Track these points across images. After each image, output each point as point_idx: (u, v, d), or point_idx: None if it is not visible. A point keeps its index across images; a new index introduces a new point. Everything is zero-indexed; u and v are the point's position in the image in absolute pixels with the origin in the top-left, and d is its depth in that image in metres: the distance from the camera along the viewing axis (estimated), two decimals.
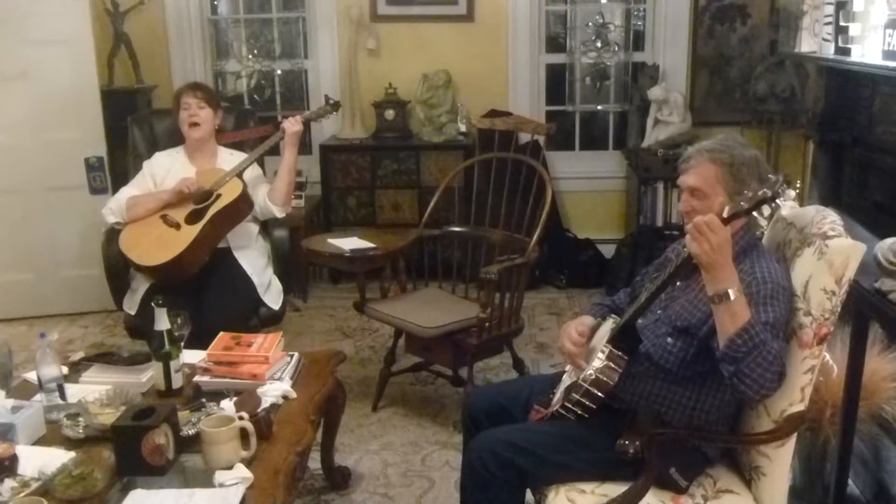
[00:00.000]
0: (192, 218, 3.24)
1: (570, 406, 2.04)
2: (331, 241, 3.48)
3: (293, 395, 2.43)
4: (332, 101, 3.65)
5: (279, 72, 5.40)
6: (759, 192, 1.78)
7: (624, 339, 2.07)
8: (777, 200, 1.80)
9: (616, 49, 5.22)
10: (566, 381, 2.19)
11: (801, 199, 4.00)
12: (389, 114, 4.89)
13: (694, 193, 2.07)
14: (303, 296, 4.78)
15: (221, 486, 1.94)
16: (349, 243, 3.39)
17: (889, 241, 2.22)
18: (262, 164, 3.64)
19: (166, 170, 3.43)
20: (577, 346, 2.16)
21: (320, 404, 2.49)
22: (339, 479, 2.88)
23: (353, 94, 4.99)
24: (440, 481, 2.91)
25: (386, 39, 5.02)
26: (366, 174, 4.84)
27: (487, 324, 3.11)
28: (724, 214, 1.81)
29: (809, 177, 4.07)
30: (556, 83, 5.30)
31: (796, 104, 4.61)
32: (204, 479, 1.98)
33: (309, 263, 4.75)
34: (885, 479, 2.62)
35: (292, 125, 3.42)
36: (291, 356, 2.63)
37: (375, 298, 3.47)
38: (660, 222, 4.67)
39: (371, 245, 3.39)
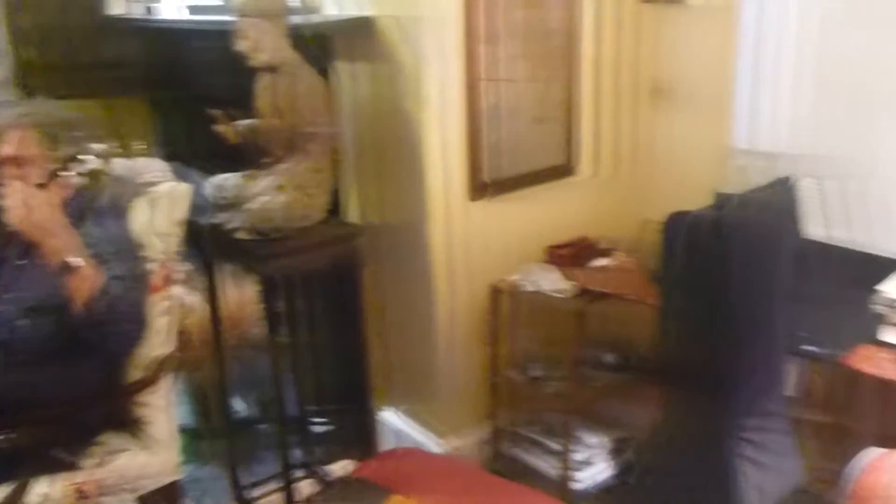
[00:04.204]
0: None
1: None
2: None
3: None
4: None
5: None
6: (68, 153, 1.77)
7: None
8: (90, 156, 1.81)
9: None
10: None
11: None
12: None
13: (14, 163, 1.96)
14: None
15: None
16: None
17: (215, 179, 2.41)
18: None
19: None
20: None
21: None
22: None
23: None
24: None
25: None
26: None
27: None
28: (39, 180, 1.76)
29: (152, 136, 4.16)
30: None
31: (126, 68, 4.62)
32: None
33: None
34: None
35: None
36: None
37: None
38: None
39: None
